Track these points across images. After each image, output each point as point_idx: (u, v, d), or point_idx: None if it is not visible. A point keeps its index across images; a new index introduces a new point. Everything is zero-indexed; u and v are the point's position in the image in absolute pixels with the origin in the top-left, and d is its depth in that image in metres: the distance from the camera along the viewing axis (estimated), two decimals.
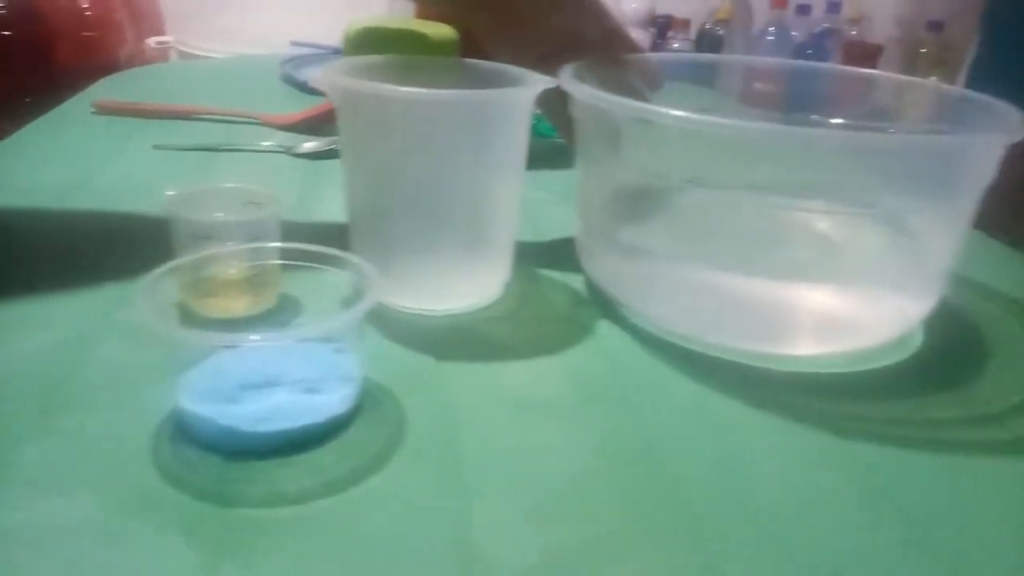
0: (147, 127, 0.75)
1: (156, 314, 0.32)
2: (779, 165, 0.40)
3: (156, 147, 0.69)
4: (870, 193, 0.41)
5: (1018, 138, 0.37)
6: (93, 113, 0.79)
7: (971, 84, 1.82)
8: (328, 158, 0.68)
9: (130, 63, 1.23)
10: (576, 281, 0.49)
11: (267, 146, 0.71)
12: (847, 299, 0.43)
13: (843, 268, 0.43)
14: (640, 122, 0.41)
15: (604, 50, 0.50)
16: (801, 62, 0.61)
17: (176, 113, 0.79)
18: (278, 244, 0.40)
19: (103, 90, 0.90)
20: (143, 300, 0.32)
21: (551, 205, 0.59)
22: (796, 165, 0.40)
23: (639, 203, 0.47)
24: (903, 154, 0.38)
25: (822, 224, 0.45)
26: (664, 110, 0.37)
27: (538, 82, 0.42)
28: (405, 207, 0.42)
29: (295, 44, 1.07)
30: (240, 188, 0.44)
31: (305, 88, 0.91)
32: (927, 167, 0.39)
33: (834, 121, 0.51)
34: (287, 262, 0.39)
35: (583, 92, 0.42)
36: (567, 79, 0.43)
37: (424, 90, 0.39)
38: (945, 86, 0.50)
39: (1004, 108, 0.41)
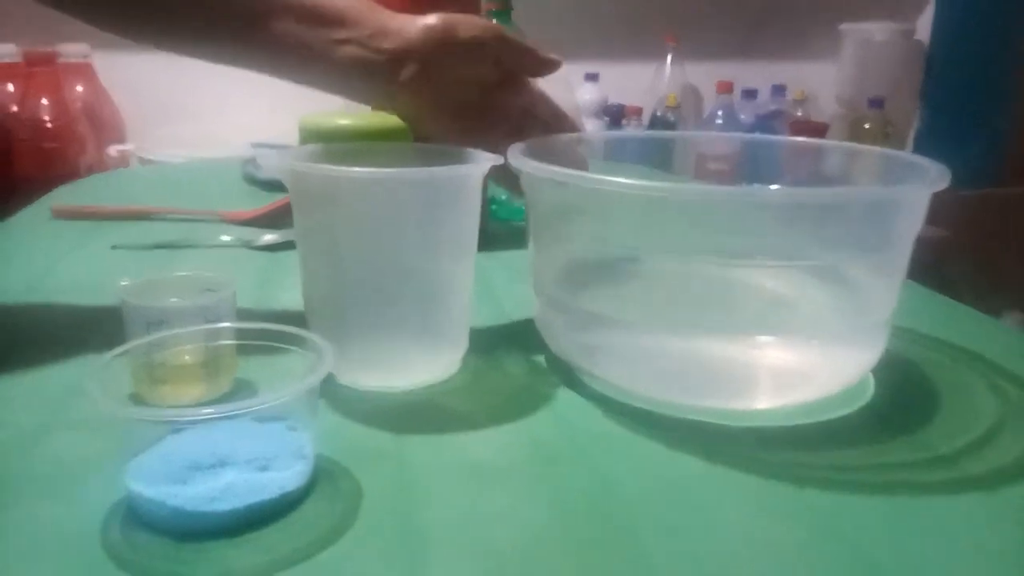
0: (106, 229, 0.76)
1: (106, 398, 0.31)
2: (721, 228, 0.42)
3: (115, 247, 0.69)
4: (808, 248, 0.42)
5: (938, 189, 0.39)
6: (52, 218, 0.79)
7: (916, 153, 1.90)
8: (287, 249, 0.69)
9: (90, 170, 1.25)
10: (536, 353, 0.49)
11: (226, 241, 0.72)
12: (798, 352, 0.44)
13: (791, 322, 0.44)
14: (587, 193, 0.43)
15: (549, 129, 0.52)
16: (751, 135, 0.64)
17: (134, 214, 0.79)
18: (232, 325, 0.40)
19: (63, 196, 0.91)
20: (93, 384, 0.32)
21: (512, 283, 0.60)
22: (737, 226, 0.42)
23: (592, 272, 0.49)
24: (833, 208, 0.40)
25: (768, 282, 0.46)
26: (610, 178, 0.39)
27: (485, 159, 0.43)
28: (359, 287, 0.43)
29: (256, 145, 1.09)
30: (194, 276, 0.44)
31: (266, 186, 0.93)
32: (858, 220, 0.41)
33: (772, 187, 0.53)
34: (242, 342, 0.39)
35: (531, 166, 0.43)
36: (515, 155, 0.44)
37: (373, 169, 0.40)
38: (874, 148, 0.53)
39: (929, 164, 0.44)
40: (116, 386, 0.35)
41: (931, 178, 0.40)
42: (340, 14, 0.48)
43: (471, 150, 0.46)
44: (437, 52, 0.48)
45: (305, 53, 0.48)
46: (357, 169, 0.40)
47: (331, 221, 0.42)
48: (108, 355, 0.34)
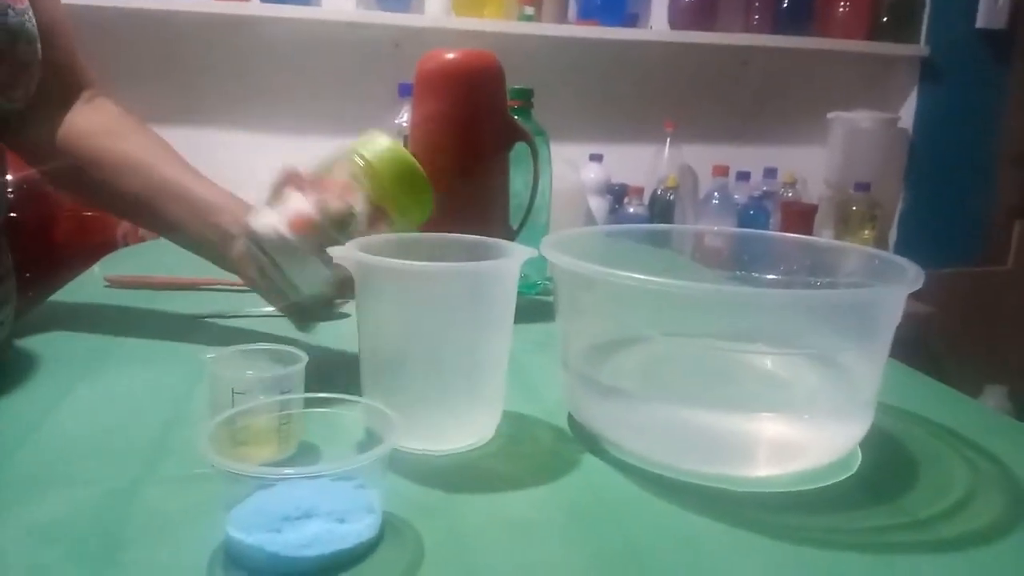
0: (158, 297, 0.82)
1: (220, 457, 0.37)
2: (728, 316, 0.49)
3: (170, 315, 0.76)
4: (803, 337, 0.49)
5: (915, 289, 0.46)
6: (106, 287, 0.86)
7: (900, 235, 2.00)
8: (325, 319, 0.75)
9: (124, 238, 1.32)
10: (560, 420, 0.55)
11: (270, 311, 0.78)
12: (794, 427, 0.50)
13: (789, 400, 0.51)
14: (607, 285, 0.49)
15: None
16: (744, 230, 0.70)
17: (182, 284, 0.86)
18: (302, 395, 0.46)
19: (109, 265, 0.97)
20: (209, 445, 0.37)
21: (534, 354, 0.66)
22: (741, 317, 0.48)
23: (612, 350, 0.55)
24: (829, 306, 0.47)
25: (767, 364, 0.52)
26: (626, 273, 0.46)
27: (521, 253, 0.50)
28: (414, 360, 0.49)
29: None
30: (270, 349, 0.50)
31: None
32: (847, 314, 0.48)
33: (769, 277, 0.60)
34: (311, 410, 0.46)
35: (562, 260, 0.50)
36: (546, 249, 0.51)
37: (430, 263, 0.47)
38: (859, 247, 0.60)
39: (907, 264, 0.51)
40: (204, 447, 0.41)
41: (909, 279, 0.47)
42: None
43: (508, 243, 0.53)
44: None
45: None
46: (418, 263, 0.46)
47: (392, 305, 0.49)
48: (213, 422, 0.40)
